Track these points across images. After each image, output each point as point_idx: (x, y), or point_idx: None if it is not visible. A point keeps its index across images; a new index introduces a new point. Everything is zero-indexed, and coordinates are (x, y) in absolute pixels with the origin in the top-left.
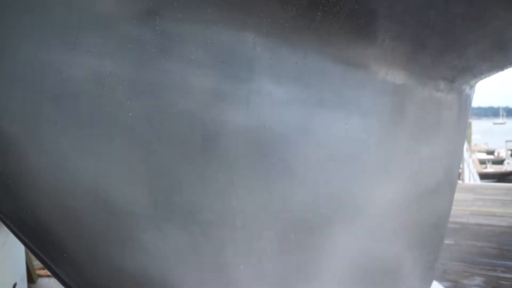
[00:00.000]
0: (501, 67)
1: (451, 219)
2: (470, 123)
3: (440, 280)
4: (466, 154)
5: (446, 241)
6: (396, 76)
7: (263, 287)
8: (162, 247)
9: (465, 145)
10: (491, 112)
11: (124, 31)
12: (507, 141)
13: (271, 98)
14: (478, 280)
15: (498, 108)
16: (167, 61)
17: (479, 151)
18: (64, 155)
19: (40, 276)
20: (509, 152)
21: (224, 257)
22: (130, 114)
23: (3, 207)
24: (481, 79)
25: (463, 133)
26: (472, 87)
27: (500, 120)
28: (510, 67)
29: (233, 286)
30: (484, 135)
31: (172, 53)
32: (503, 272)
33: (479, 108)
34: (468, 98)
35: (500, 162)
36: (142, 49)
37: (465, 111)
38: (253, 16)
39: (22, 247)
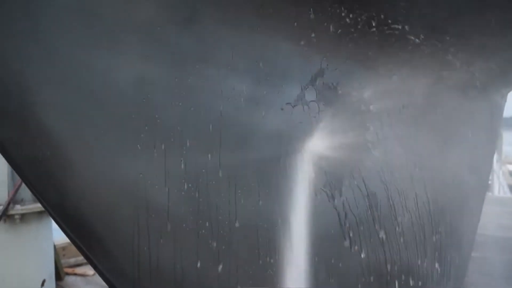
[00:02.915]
0: None
1: (477, 231)
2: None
3: None
4: (496, 166)
5: (473, 254)
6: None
7: None
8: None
9: (496, 156)
10: None
11: (165, 37)
12: None
13: None
14: None
15: None
16: (206, 66)
17: (510, 163)
18: (106, 154)
19: (67, 274)
20: None
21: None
22: (168, 117)
23: (51, 200)
24: None
25: (494, 142)
26: (503, 96)
27: None
28: None
29: None
30: None
31: (210, 58)
32: None
33: None
34: (500, 107)
35: None
36: (182, 55)
37: (496, 120)
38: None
39: (51, 245)
